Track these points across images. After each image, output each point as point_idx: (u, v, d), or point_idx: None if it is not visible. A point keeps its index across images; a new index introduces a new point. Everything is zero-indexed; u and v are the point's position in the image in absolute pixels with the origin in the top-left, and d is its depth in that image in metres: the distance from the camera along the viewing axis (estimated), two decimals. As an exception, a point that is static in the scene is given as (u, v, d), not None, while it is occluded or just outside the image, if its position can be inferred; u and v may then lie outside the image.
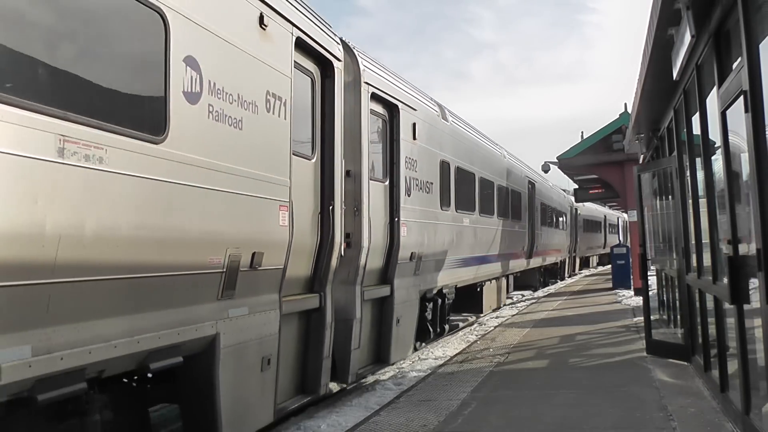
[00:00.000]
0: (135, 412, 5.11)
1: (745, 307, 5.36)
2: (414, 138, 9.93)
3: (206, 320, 5.13)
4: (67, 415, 4.11)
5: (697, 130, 7.07)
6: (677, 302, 9.80)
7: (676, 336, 9.92)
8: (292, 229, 6.22)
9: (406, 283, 9.68)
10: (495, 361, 9.92)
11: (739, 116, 4.90)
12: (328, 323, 7.25)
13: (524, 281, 22.79)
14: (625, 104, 20.14)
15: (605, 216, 43.53)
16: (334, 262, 7.29)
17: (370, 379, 9.78)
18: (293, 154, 6.38)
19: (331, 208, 7.24)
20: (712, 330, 7.20)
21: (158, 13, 4.50)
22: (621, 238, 37.79)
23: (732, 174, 5.63)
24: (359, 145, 8.16)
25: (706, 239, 7.04)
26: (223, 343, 5.32)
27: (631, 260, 20.69)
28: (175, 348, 4.72)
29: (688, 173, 8.05)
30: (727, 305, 5.94)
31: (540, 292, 24.17)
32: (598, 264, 44.49)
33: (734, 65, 5.17)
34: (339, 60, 7.57)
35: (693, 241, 8.12)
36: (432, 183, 10.81)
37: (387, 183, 9.23)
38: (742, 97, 4.72)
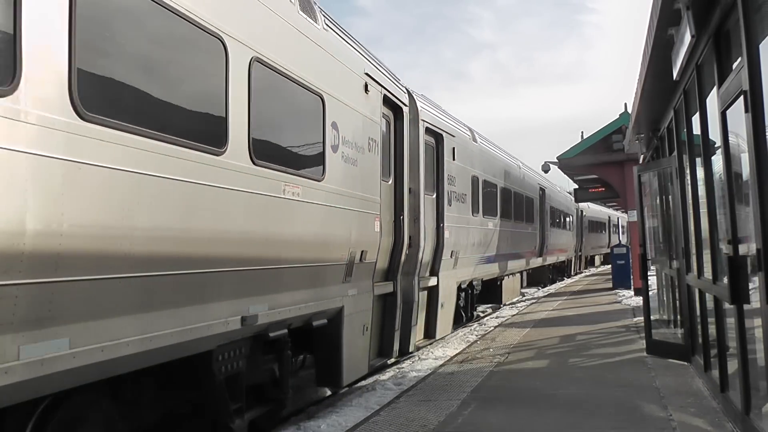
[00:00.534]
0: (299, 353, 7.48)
1: (745, 307, 5.36)
2: (453, 159, 12.29)
3: (337, 296, 7.46)
4: (275, 347, 6.52)
5: (697, 130, 7.07)
6: (677, 302, 9.80)
7: (676, 336, 9.92)
8: (381, 233, 8.59)
9: (447, 275, 11.98)
10: (495, 361, 9.92)
11: (739, 116, 4.90)
12: (398, 304, 9.60)
13: (536, 278, 25.50)
14: (625, 104, 20.16)
15: (609, 217, 44.86)
16: (402, 258, 9.62)
17: (370, 379, 9.78)
18: (380, 179, 8.74)
19: (401, 217, 9.59)
20: (712, 330, 7.20)
21: (320, 96, 6.92)
22: (620, 238, 38.23)
23: (732, 174, 5.63)
24: (418, 168, 10.33)
25: (706, 239, 7.05)
26: (345, 312, 7.66)
27: (631, 260, 20.71)
28: (323, 312, 7.14)
29: (688, 173, 8.05)
30: (727, 305, 5.94)
31: (540, 293, 24.24)
32: (603, 263, 45.16)
33: (734, 65, 5.17)
34: (405, 105, 9.90)
35: (693, 241, 8.12)
36: (465, 194, 13.19)
37: (434, 196, 11.44)
38: (742, 97, 4.72)
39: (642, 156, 14.89)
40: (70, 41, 3.71)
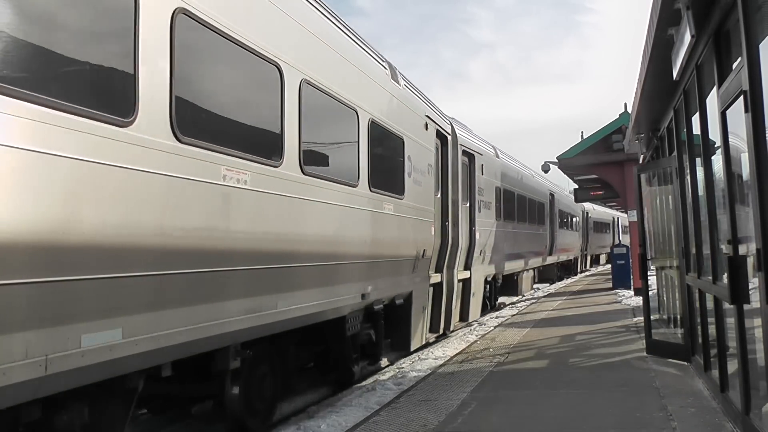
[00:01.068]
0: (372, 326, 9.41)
1: (745, 307, 5.36)
2: (482, 174, 14.86)
3: (407, 283, 10.01)
4: (373, 318, 9.07)
5: (697, 130, 7.07)
6: (677, 302, 9.80)
7: (676, 336, 9.92)
8: (434, 236, 11.17)
9: (477, 269, 14.51)
10: (495, 361, 9.92)
11: (739, 116, 4.90)
12: (444, 292, 12.17)
13: (546, 274, 28.07)
14: (625, 104, 20.16)
15: (613, 218, 46.02)
16: (447, 255, 12.17)
17: (370, 379, 9.78)
18: (434, 194, 11.33)
19: (446, 223, 12.10)
20: (712, 330, 7.20)
21: (401, 138, 9.62)
22: (620, 238, 38.81)
23: (732, 174, 5.63)
24: (457, 183, 12.76)
25: (706, 239, 7.05)
26: (413, 295, 10.28)
27: (631, 260, 20.71)
28: (401, 295, 9.80)
29: (688, 173, 8.05)
30: (727, 305, 5.94)
31: (540, 293, 24.27)
32: (607, 261, 45.43)
33: (734, 65, 5.17)
34: (450, 135, 12.56)
35: (693, 241, 8.12)
36: (491, 202, 15.73)
37: (468, 204, 13.76)
38: (742, 97, 4.72)
39: (642, 156, 14.89)
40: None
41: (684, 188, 8.36)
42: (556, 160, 21.31)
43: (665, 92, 8.50)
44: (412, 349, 10.64)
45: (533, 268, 23.57)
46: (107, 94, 4.24)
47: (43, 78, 3.78)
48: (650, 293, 10.36)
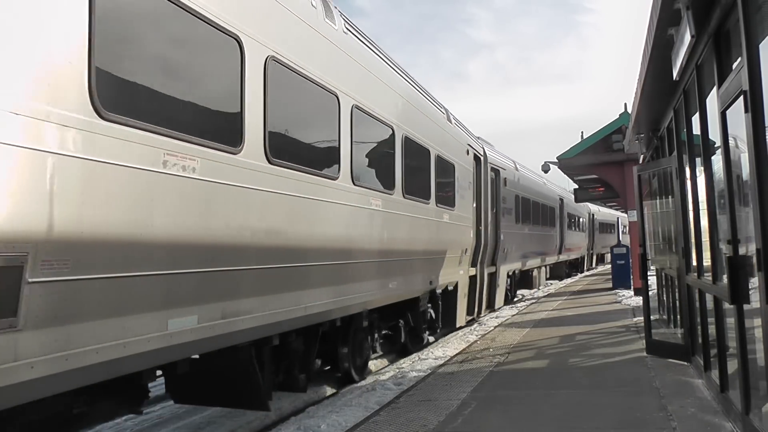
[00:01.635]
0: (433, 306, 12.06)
1: (745, 307, 5.36)
2: (505, 185, 17.56)
3: (455, 274, 12.71)
4: (434, 298, 11.80)
5: (697, 130, 7.07)
6: (677, 302, 9.80)
7: (676, 336, 9.92)
8: (472, 238, 13.90)
9: (502, 265, 17.26)
10: (495, 361, 9.92)
11: (739, 116, 4.90)
12: (478, 283, 14.87)
13: (555, 272, 30.34)
14: (625, 104, 20.15)
15: (618, 219, 47.00)
16: (480, 253, 14.76)
17: (370, 379, 9.78)
18: (472, 204, 14.02)
19: (480, 227, 14.68)
20: (712, 330, 7.20)
21: (453, 164, 12.41)
22: (620, 238, 39.32)
23: (732, 174, 5.63)
24: (487, 194, 15.50)
25: (706, 239, 7.04)
26: (459, 285, 13.09)
27: (631, 260, 20.70)
28: (451, 283, 12.47)
29: (688, 173, 8.05)
30: (727, 305, 5.94)
31: (540, 293, 24.28)
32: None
33: (734, 65, 5.17)
34: (483, 156, 15.47)
35: (693, 241, 8.12)
36: (511, 209, 18.49)
37: (494, 211, 16.35)
38: (742, 97, 4.72)
39: (642, 156, 14.88)
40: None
41: (684, 188, 8.36)
42: (556, 160, 21.31)
43: (665, 92, 8.50)
44: (457, 326, 13.65)
45: (545, 265, 26.28)
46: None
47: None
48: (650, 293, 10.36)
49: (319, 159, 7.22)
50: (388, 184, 9.20)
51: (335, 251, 7.46)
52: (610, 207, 42.98)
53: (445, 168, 12.00)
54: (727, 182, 5.71)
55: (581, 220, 34.82)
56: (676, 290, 9.80)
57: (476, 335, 13.43)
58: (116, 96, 4.38)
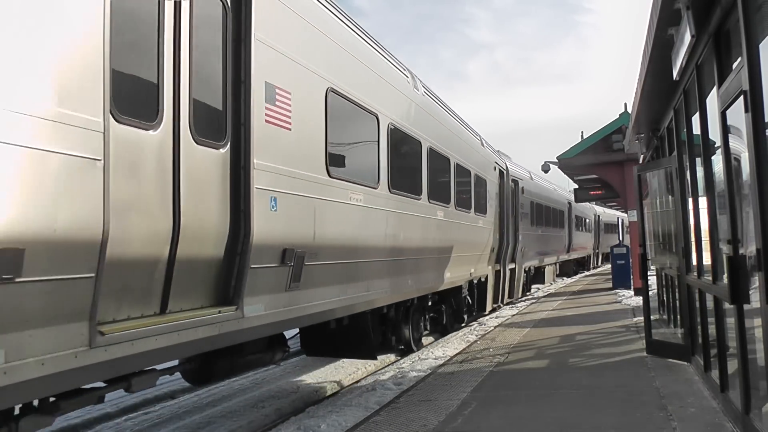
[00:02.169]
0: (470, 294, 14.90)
1: (745, 307, 5.35)
2: (522, 193, 20.07)
3: (486, 268, 15.68)
4: (475, 286, 15.22)
5: (697, 130, 7.07)
6: (677, 302, 9.79)
7: (676, 336, 9.92)
8: (498, 239, 16.49)
9: (519, 262, 19.70)
10: (495, 361, 9.92)
11: (739, 116, 4.90)
12: (501, 277, 17.42)
13: (564, 269, 33.22)
14: (625, 104, 20.14)
15: (618, 219, 48.36)
16: (503, 251, 17.34)
17: (370, 379, 9.78)
18: (496, 210, 16.51)
19: (503, 230, 17.13)
20: (712, 330, 7.19)
21: (485, 180, 15.32)
22: (620, 238, 39.95)
23: (732, 174, 5.63)
24: (508, 202, 18.02)
25: (706, 239, 7.04)
26: (488, 277, 15.99)
27: (631, 260, 20.70)
28: (483, 275, 15.48)
29: (688, 173, 8.05)
30: (727, 305, 5.94)
31: (540, 293, 24.31)
32: None
33: (734, 65, 5.17)
34: (506, 170, 17.97)
35: (693, 241, 8.12)
36: (527, 213, 20.94)
37: (514, 216, 18.78)
38: (742, 97, 4.72)
39: (642, 156, 14.88)
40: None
41: (684, 188, 8.36)
42: (556, 160, 21.31)
43: (665, 92, 8.50)
44: (486, 311, 16.56)
45: (556, 263, 29.36)
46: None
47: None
48: (650, 293, 10.36)
49: (410, 185, 9.95)
50: (446, 199, 11.97)
51: (418, 249, 10.33)
52: (610, 207, 43.32)
53: (480, 183, 14.94)
54: (727, 182, 5.71)
55: (588, 221, 37.37)
56: (676, 290, 9.80)
57: (476, 335, 13.43)
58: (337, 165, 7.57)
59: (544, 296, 22.40)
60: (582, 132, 27.96)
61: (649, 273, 10.15)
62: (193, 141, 5.00)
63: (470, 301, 14.98)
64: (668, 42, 6.49)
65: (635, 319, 13.36)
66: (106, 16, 4.14)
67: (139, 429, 8.06)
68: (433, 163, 10.95)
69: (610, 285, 22.77)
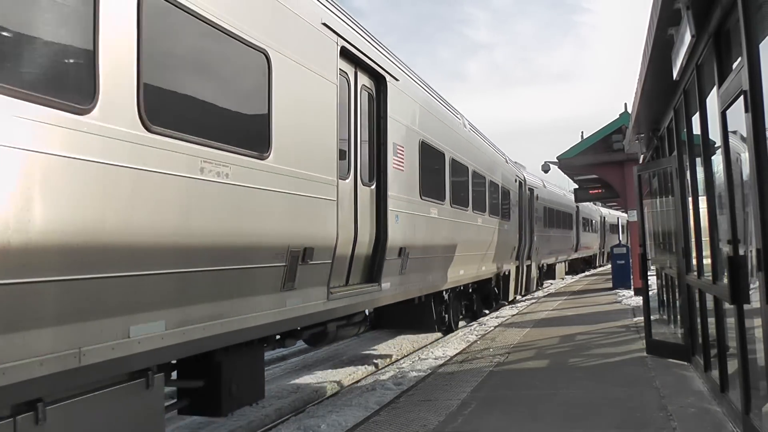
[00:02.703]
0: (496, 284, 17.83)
1: (745, 307, 5.35)
2: (536, 200, 22.89)
3: (509, 264, 18.55)
4: (498, 278, 17.93)
5: (697, 130, 7.07)
6: (677, 302, 9.79)
7: (676, 336, 9.92)
8: (518, 239, 19.36)
9: (533, 260, 22.30)
10: (495, 361, 9.92)
11: (739, 116, 4.90)
12: (520, 272, 19.97)
13: (572, 267, 35.88)
14: (625, 104, 20.13)
15: (618, 219, 50.08)
16: (521, 249, 19.83)
17: (370, 379, 9.78)
18: (517, 215, 19.59)
19: (521, 232, 19.54)
20: (712, 330, 7.19)
21: (509, 191, 18.35)
22: (621, 238, 40.99)
23: (732, 174, 5.63)
24: (525, 207, 20.78)
25: (706, 239, 7.04)
26: (510, 271, 18.92)
27: (631, 260, 20.70)
28: (507, 270, 18.48)
29: (688, 173, 8.05)
30: (727, 305, 5.94)
31: (540, 293, 24.32)
32: None
33: (734, 65, 5.17)
34: (524, 181, 20.61)
35: (693, 241, 8.12)
36: (540, 217, 23.62)
37: (530, 219, 21.42)
38: (742, 97, 4.72)
39: (642, 156, 14.88)
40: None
41: (684, 188, 8.36)
42: (556, 160, 21.31)
43: (665, 92, 8.50)
44: (508, 300, 19.28)
45: (565, 261, 32.41)
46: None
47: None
48: (650, 293, 10.36)
49: (462, 199, 12.80)
50: (482, 208, 14.71)
51: (465, 248, 13.05)
52: (610, 207, 43.63)
53: (506, 194, 17.78)
54: (727, 182, 5.71)
55: (594, 222, 40.19)
56: (676, 290, 9.80)
57: (476, 335, 13.43)
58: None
59: (544, 296, 22.40)
60: (582, 132, 28.38)
61: (649, 273, 10.15)
62: (361, 183, 8.04)
63: (496, 292, 17.93)
64: (668, 42, 6.49)
65: (635, 319, 13.36)
66: (339, 117, 7.20)
67: (139, 429, 8.04)
68: (475, 181, 14.00)
69: (611, 285, 22.78)
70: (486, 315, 17.35)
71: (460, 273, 13.22)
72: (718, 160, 6.17)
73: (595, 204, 39.48)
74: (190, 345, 4.76)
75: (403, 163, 9.16)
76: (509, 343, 11.69)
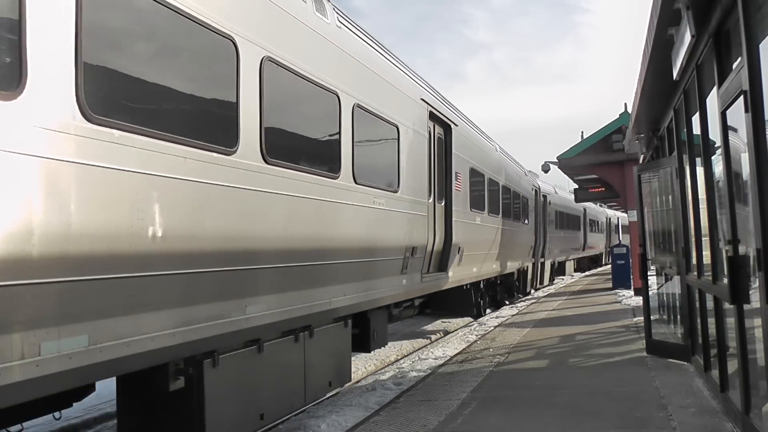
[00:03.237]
0: (517, 278, 20.97)
1: (745, 307, 5.35)
2: (549, 204, 25.61)
3: (527, 261, 21.69)
4: (516, 275, 20.70)
5: (697, 130, 7.07)
6: (677, 302, 9.79)
7: (676, 336, 9.92)
8: (534, 239, 22.57)
9: (548, 257, 25.51)
10: (495, 361, 9.92)
11: (739, 116, 4.90)
12: (536, 267, 23.54)
13: (580, 265, 38.86)
14: (625, 104, 20.14)
15: (618, 219, 50.71)
16: (537, 248, 23.09)
17: (370, 379, 9.78)
18: (534, 221, 22.80)
19: (536, 233, 22.80)
20: (712, 330, 7.19)
21: (526, 198, 21.10)
22: (620, 238, 41.43)
23: (732, 174, 5.63)
24: (540, 212, 23.46)
25: (706, 239, 7.04)
26: (529, 267, 22.27)
27: (631, 260, 20.70)
28: (526, 265, 21.65)
29: (688, 173, 8.05)
30: (727, 305, 5.94)
31: (540, 293, 24.30)
32: None
33: (734, 65, 5.17)
34: (539, 189, 23.84)
35: (693, 241, 8.12)
36: (552, 220, 26.45)
37: (543, 222, 24.04)
38: (742, 97, 4.72)
39: (642, 156, 14.88)
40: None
41: (684, 188, 8.36)
42: (556, 160, 21.30)
43: (665, 92, 8.50)
44: (526, 292, 22.24)
45: (574, 259, 35.62)
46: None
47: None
48: (650, 293, 10.36)
49: (495, 208, 15.68)
50: (508, 215, 17.41)
51: (499, 246, 16.20)
52: (610, 207, 43.87)
53: (526, 202, 20.66)
54: (727, 182, 5.71)
55: (600, 223, 43.15)
56: (677, 290, 9.79)
57: (476, 335, 13.43)
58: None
59: (544, 296, 22.40)
60: (582, 132, 28.54)
61: (649, 273, 10.15)
62: (437, 201, 10.82)
63: (517, 284, 20.88)
64: (668, 42, 6.49)
65: (635, 319, 13.36)
66: (429, 158, 10.45)
67: (139, 429, 8.05)
68: (505, 193, 16.98)
69: (610, 285, 22.78)
70: (506, 305, 20.06)
71: (493, 267, 16.23)
72: (718, 160, 6.17)
73: (601, 206, 41.90)
74: (357, 306, 7.77)
75: (460, 185, 12.13)
76: (509, 343, 11.69)
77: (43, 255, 3.61)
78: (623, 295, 19.27)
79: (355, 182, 7.40)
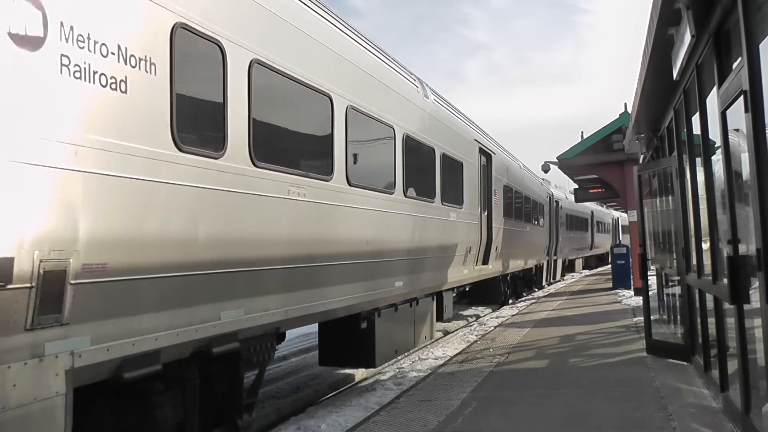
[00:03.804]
0: (534, 274, 24.99)
1: (745, 307, 5.36)
2: (560, 209, 28.57)
3: (542, 259, 25.41)
4: (533, 271, 24.70)
5: (697, 130, 7.07)
6: (677, 302, 9.79)
7: (676, 336, 9.92)
8: (548, 240, 25.90)
9: (560, 255, 29.09)
10: (495, 361, 9.92)
11: (739, 116, 4.90)
12: (549, 264, 26.96)
13: (587, 263, 41.67)
14: (625, 104, 20.14)
15: (618, 219, 54.11)
16: (550, 248, 26.32)
17: (370, 379, 9.78)
18: (548, 224, 26.40)
19: (551, 234, 26.04)
20: (712, 330, 7.19)
21: (542, 205, 24.37)
22: (620, 238, 42.00)
23: (732, 174, 5.63)
24: (553, 216, 26.55)
25: (706, 239, 7.04)
26: (544, 264, 25.97)
27: (631, 260, 20.71)
28: (541, 262, 25.36)
29: (688, 173, 8.05)
30: (727, 305, 5.94)
31: (540, 293, 24.32)
32: None
33: (734, 65, 5.17)
34: (553, 197, 26.87)
35: (693, 241, 8.12)
36: (563, 222, 28.90)
37: (556, 224, 27.06)
38: (742, 97, 4.72)
39: (642, 156, 14.88)
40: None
41: (684, 188, 8.36)
42: (556, 160, 21.30)
43: (665, 92, 8.50)
44: (542, 285, 25.54)
45: (582, 257, 38.99)
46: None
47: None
48: (650, 293, 10.36)
49: (518, 215, 18.60)
50: (529, 219, 20.53)
51: (522, 245, 19.15)
52: (610, 207, 44.10)
53: (542, 208, 23.69)
54: (727, 182, 5.71)
55: (606, 224, 46.25)
56: (677, 290, 9.80)
57: (476, 335, 13.43)
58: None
59: (545, 296, 22.40)
60: (582, 132, 28.82)
61: (649, 273, 10.15)
62: (483, 212, 13.95)
63: (535, 278, 24.34)
64: (668, 42, 6.49)
65: (635, 319, 13.36)
66: (482, 182, 14.30)
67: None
68: (526, 202, 19.98)
69: (610, 285, 22.78)
70: (524, 295, 22.93)
71: (518, 263, 19.52)
72: (718, 160, 6.17)
73: (607, 208, 45.42)
74: (438, 286, 11.30)
75: (497, 198, 15.47)
76: (509, 343, 11.69)
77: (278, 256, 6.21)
78: (623, 295, 19.26)
79: (442, 203, 11.05)
